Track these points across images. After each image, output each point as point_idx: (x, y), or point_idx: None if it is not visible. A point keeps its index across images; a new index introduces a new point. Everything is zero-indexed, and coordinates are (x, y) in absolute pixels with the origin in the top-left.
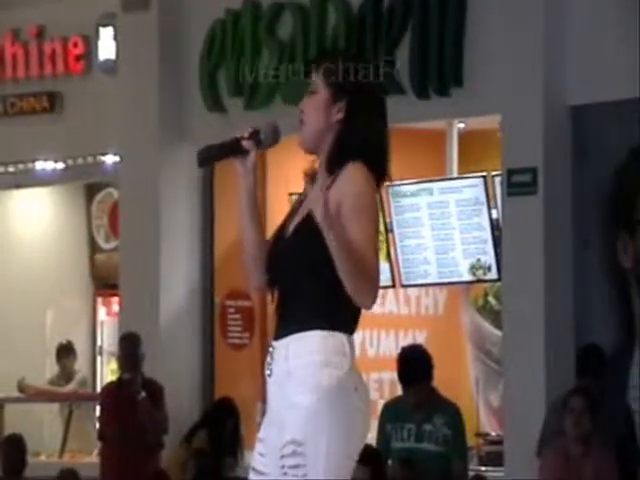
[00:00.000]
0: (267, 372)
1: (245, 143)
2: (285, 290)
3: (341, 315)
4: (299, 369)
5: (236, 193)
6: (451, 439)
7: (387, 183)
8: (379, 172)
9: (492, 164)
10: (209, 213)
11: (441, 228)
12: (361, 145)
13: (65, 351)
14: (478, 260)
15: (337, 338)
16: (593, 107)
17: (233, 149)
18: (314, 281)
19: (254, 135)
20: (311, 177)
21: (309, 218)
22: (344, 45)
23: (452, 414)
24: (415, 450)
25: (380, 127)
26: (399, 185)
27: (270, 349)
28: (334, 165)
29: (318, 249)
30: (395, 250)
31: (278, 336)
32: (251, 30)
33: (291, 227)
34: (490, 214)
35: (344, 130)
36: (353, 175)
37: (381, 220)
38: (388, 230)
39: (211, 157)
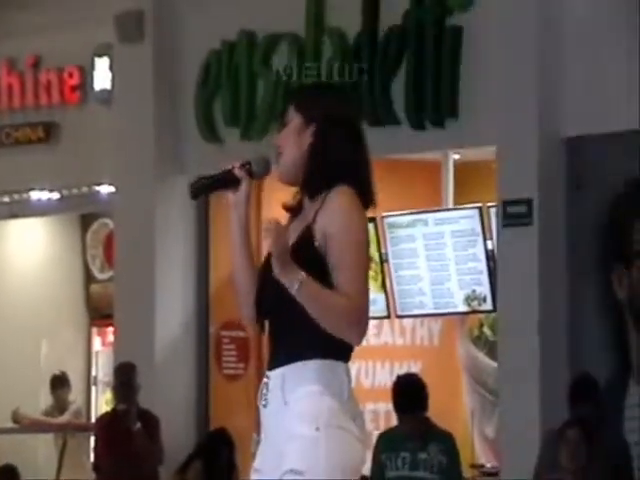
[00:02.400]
0: (262, 402)
1: (237, 174)
2: (279, 320)
3: (337, 343)
4: (297, 399)
5: (228, 225)
6: (446, 467)
7: (382, 214)
8: (364, 195)
9: (487, 195)
10: (204, 243)
11: (436, 259)
12: (335, 166)
13: (59, 382)
14: (473, 291)
15: (334, 367)
16: (588, 139)
17: (226, 180)
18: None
19: (246, 166)
20: (292, 210)
21: (298, 249)
22: (338, 76)
23: (447, 442)
24: (410, 478)
25: (354, 149)
26: (394, 216)
27: (265, 379)
28: (313, 189)
29: (315, 275)
30: (390, 281)
31: (273, 366)
32: (247, 60)
33: None
34: (485, 245)
35: (315, 152)
36: (339, 201)
37: (376, 251)
38: (383, 261)
39: (204, 189)
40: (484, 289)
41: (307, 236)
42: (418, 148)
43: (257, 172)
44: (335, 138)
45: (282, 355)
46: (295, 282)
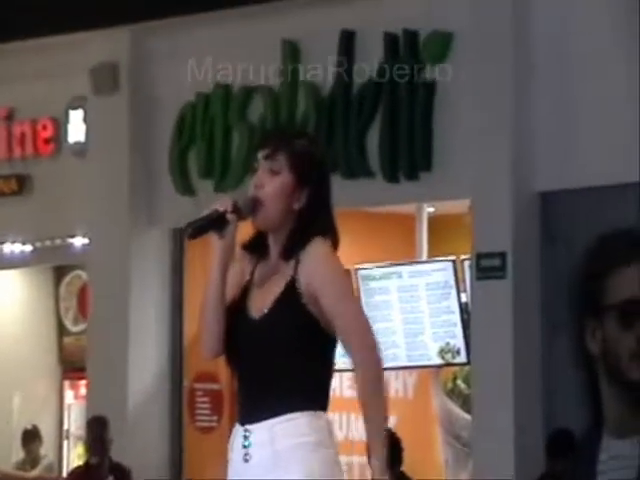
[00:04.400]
0: (243, 456)
1: (229, 218)
2: (261, 369)
3: (322, 394)
4: (290, 452)
5: (205, 274)
6: None
7: (356, 266)
8: (333, 240)
9: (461, 248)
10: (178, 296)
11: (410, 311)
12: (323, 229)
13: (30, 436)
14: (447, 343)
15: (323, 418)
16: (561, 193)
17: (219, 222)
18: (300, 361)
19: (235, 208)
20: (249, 247)
21: (285, 306)
22: (314, 129)
23: None
24: None
25: (332, 207)
26: (369, 268)
27: (243, 432)
28: (296, 247)
29: (303, 329)
30: None
31: (255, 419)
32: (222, 113)
33: (258, 305)
34: (459, 298)
35: (307, 215)
36: (320, 255)
37: None
38: None
39: (201, 230)
40: (458, 342)
41: (292, 293)
42: (392, 201)
43: (245, 214)
44: (326, 200)
45: (265, 406)
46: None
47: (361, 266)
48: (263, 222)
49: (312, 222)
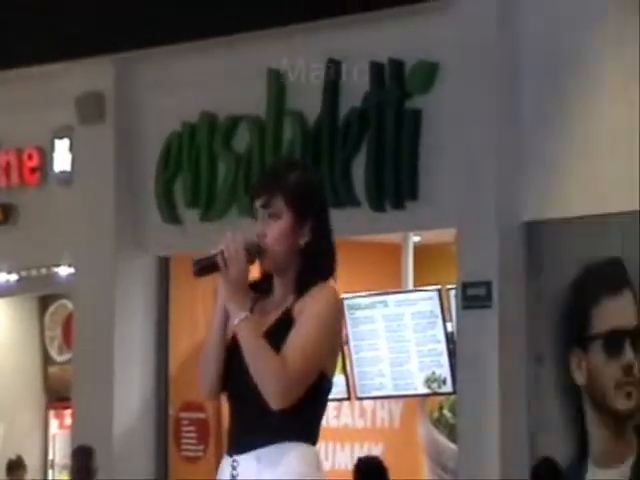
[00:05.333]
0: None
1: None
2: (250, 399)
3: (312, 428)
4: None
5: (192, 303)
6: None
7: (342, 295)
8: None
9: (447, 277)
10: (164, 325)
11: (396, 340)
12: (330, 262)
13: (15, 466)
14: (433, 373)
15: (312, 451)
16: (547, 223)
17: (222, 263)
18: None
19: (245, 248)
20: (256, 287)
21: (277, 332)
22: (300, 157)
23: None
24: None
25: (332, 232)
26: (354, 297)
27: (232, 462)
28: (305, 287)
29: None
30: (350, 362)
31: (242, 449)
32: (207, 142)
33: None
34: (445, 327)
35: (312, 252)
36: (325, 297)
37: None
38: (343, 342)
39: (206, 269)
40: (444, 371)
41: (285, 319)
42: (378, 230)
43: (252, 257)
44: (328, 230)
45: (254, 437)
46: (241, 313)
47: (347, 295)
48: (270, 266)
49: (321, 256)
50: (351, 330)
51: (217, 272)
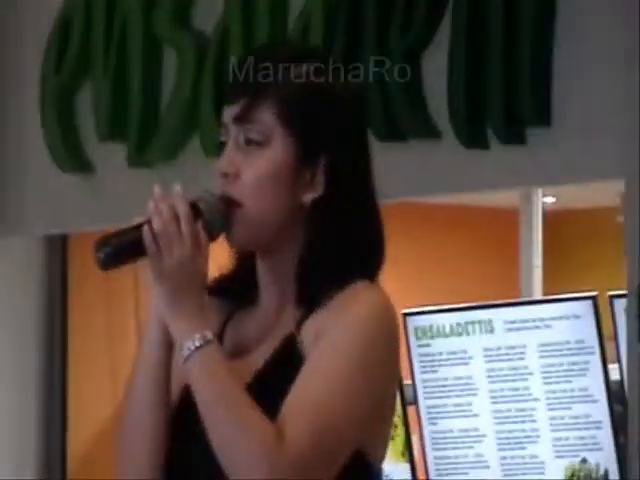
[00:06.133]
0: None
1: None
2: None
3: None
4: None
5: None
6: None
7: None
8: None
9: (604, 274)
10: (56, 349)
11: (511, 397)
12: (370, 245)
13: None
14: (583, 460)
15: None
16: None
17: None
18: None
19: (196, 213)
20: (217, 292)
21: (274, 375)
22: (319, 40)
23: None
24: None
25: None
26: (426, 312)
27: None
28: (321, 291)
29: None
30: (421, 438)
31: None
32: (141, 16)
33: None
34: (605, 370)
35: (331, 221)
36: (362, 313)
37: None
38: (407, 402)
39: (121, 254)
40: (604, 457)
41: (287, 354)
42: (473, 184)
43: (213, 227)
44: (364, 180)
45: None
46: (193, 336)
47: (413, 310)
48: (244, 238)
49: (343, 230)
50: (420, 376)
51: (143, 259)
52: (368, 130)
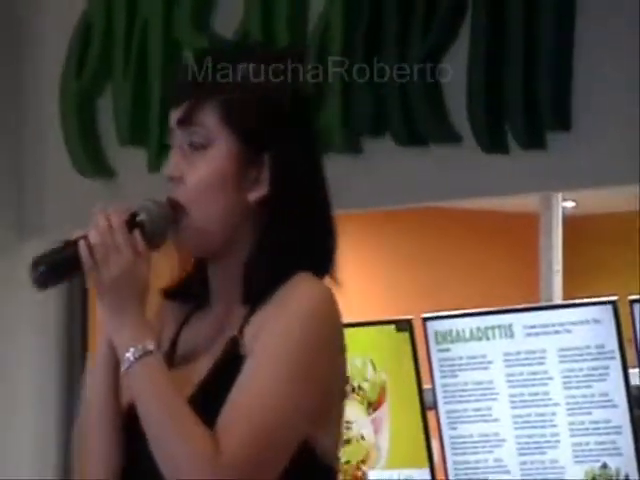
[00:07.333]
0: None
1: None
2: None
3: None
4: None
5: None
6: None
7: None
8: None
9: (626, 279)
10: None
11: (531, 401)
12: (317, 241)
13: None
14: (604, 465)
15: None
16: None
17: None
18: None
19: (132, 224)
20: (172, 295)
21: (218, 380)
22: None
23: None
24: None
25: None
26: (446, 316)
27: None
28: (263, 287)
29: None
30: (441, 442)
31: None
32: (162, 19)
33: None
34: (626, 376)
35: (277, 218)
36: (300, 303)
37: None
38: (426, 406)
39: (56, 271)
40: (624, 463)
41: (230, 358)
42: (494, 188)
43: (155, 235)
44: (312, 176)
45: None
46: (134, 345)
47: (429, 314)
48: (191, 244)
49: (287, 226)
50: (440, 381)
51: (80, 275)
52: (316, 129)
